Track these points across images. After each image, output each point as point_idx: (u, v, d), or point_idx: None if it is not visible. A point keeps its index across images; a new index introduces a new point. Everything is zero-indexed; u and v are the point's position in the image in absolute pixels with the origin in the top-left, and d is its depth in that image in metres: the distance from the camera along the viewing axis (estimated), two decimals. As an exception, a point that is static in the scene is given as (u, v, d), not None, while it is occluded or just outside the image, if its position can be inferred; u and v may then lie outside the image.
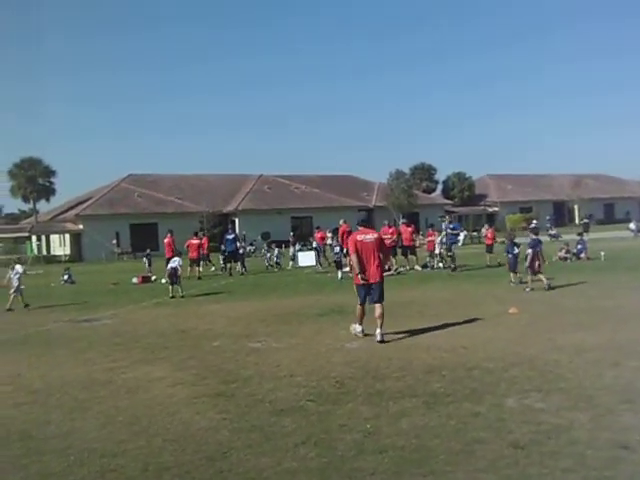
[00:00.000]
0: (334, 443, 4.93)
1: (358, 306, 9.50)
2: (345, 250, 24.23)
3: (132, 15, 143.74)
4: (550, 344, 8.12)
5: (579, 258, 22.16)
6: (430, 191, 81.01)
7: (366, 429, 5.22)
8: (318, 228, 29.74)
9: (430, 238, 23.38)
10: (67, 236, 55.00)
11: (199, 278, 23.60)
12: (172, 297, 17.06)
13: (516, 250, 15.56)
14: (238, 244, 26.11)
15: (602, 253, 22.02)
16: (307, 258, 28.17)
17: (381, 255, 9.60)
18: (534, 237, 14.94)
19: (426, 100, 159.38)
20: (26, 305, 16.73)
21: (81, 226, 51.84)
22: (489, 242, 23.14)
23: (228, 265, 25.43)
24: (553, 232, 40.26)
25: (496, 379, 6.56)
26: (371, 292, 9.34)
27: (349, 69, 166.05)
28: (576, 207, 78.48)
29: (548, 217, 52.65)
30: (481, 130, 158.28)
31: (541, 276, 14.39)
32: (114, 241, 50.24)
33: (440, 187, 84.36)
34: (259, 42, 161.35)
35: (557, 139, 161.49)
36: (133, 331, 11.59)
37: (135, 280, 23.91)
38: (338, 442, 4.95)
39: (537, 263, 14.48)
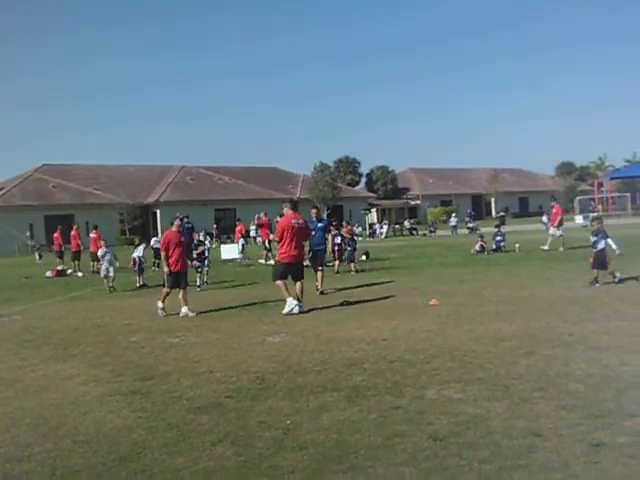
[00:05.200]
0: (252, 441, 4.80)
1: (166, 289, 12.02)
2: (267, 242, 24.21)
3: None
4: (469, 335, 8.26)
5: (496, 251, 22.79)
6: (354, 184, 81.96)
7: (286, 425, 5.10)
8: (239, 221, 29.42)
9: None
10: (-24, 228, 52.36)
11: (94, 272, 22.58)
12: (143, 285, 17.33)
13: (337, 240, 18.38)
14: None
15: (517, 245, 22.76)
16: (230, 251, 27.85)
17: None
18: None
19: (350, 95, 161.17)
20: None
21: (-9, 217, 49.45)
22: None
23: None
24: (472, 225, 41.55)
25: (417, 371, 6.58)
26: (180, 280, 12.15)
27: (272, 61, 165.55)
28: (493, 200, 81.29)
29: (468, 211, 54.31)
30: (404, 125, 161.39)
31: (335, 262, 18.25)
32: (27, 233, 48.22)
33: (364, 180, 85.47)
34: (181, 36, 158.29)
35: (476, 134, 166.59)
36: (45, 327, 11.08)
37: (49, 274, 22.97)
38: (256, 439, 4.82)
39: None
